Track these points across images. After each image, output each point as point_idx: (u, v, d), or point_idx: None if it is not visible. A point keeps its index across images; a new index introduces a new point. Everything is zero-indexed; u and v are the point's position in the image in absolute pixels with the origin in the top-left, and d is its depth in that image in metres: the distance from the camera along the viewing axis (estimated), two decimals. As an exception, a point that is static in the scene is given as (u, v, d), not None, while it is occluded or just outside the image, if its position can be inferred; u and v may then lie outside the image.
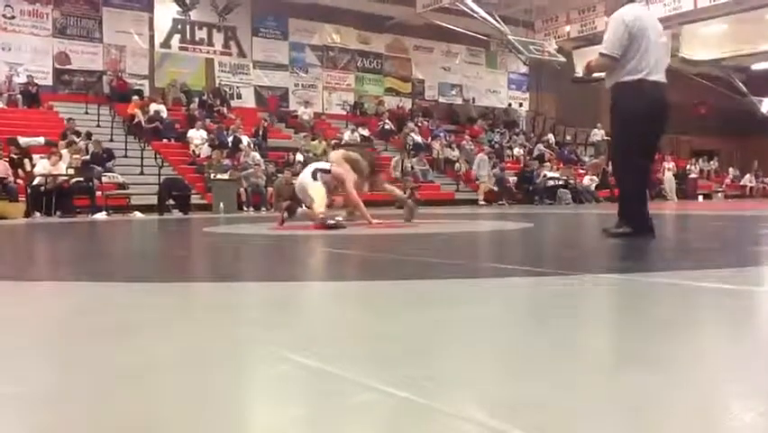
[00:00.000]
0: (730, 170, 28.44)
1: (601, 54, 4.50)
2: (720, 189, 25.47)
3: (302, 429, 1.00)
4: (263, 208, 14.24)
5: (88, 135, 14.96)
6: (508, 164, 20.60)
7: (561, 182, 18.84)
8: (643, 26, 4.41)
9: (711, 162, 27.85)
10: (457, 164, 20.17)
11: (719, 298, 2.17)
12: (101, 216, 11.66)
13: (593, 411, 1.03)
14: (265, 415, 1.09)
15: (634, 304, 2.10)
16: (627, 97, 4.40)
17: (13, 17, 17.81)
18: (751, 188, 26.47)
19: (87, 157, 13.68)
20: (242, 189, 14.44)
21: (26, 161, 13.08)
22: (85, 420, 1.04)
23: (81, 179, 12.37)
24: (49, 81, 18.19)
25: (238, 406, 1.11)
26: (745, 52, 21.13)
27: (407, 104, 24.10)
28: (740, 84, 25.64)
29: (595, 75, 4.74)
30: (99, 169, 13.40)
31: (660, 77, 4.45)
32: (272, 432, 1.01)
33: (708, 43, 21.61)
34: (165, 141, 16.79)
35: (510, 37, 21.67)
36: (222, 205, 13.45)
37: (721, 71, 24.76)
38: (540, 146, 22.56)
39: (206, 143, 16.55)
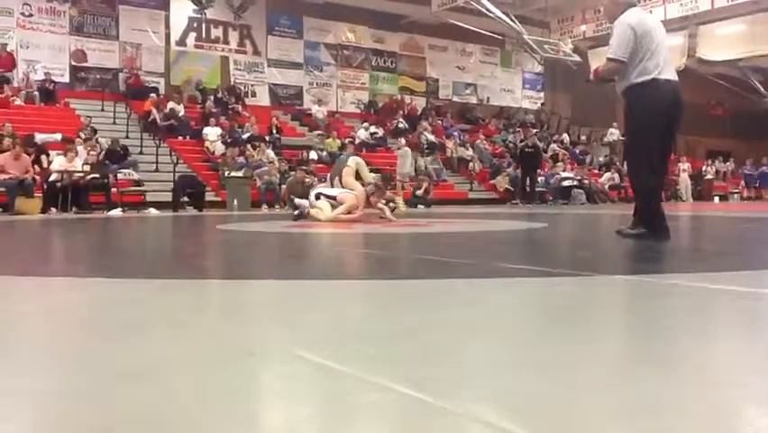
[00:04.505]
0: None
1: (609, 59, 4.49)
2: (736, 191, 25.24)
3: (313, 428, 1.00)
4: (277, 206, 14.28)
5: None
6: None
7: (575, 182, 18.75)
8: (648, 27, 4.42)
9: (727, 164, 27.58)
10: (471, 163, 20.12)
11: (735, 300, 2.16)
12: (116, 212, 11.73)
13: (604, 413, 1.03)
14: (276, 413, 1.10)
15: (648, 305, 2.08)
16: (643, 97, 4.39)
17: (30, 15, 17.95)
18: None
19: (101, 151, 13.76)
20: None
21: (43, 157, 13.18)
22: (99, 416, 1.04)
23: (97, 175, 12.45)
24: (66, 78, 18.32)
25: (249, 403, 1.11)
26: (762, 53, 20.89)
27: (422, 103, 24.06)
28: (758, 85, 25.38)
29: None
30: (114, 166, 13.49)
31: (671, 75, 4.44)
32: (283, 430, 1.01)
33: (725, 44, 21.40)
34: (180, 138, 16.87)
35: (525, 36, 21.58)
36: (235, 202, 13.51)
37: (738, 72, 24.52)
38: (554, 146, 22.45)
39: (219, 141, 16.61)
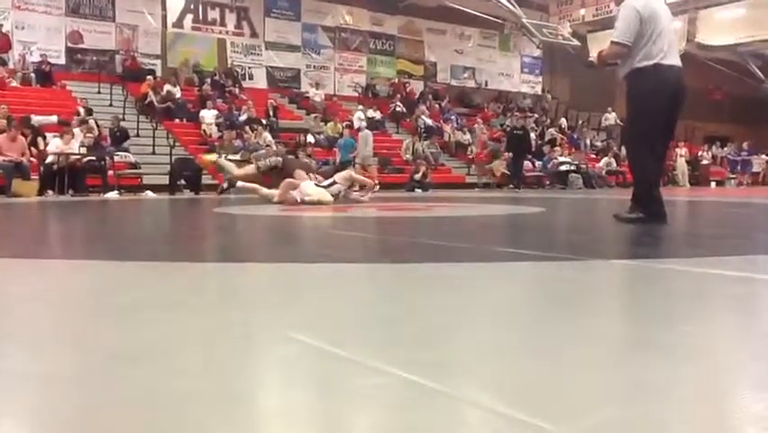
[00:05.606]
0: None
1: (613, 43, 4.46)
2: (733, 176, 25.24)
3: (309, 411, 1.00)
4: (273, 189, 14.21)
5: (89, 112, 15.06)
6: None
7: (572, 167, 18.73)
8: (653, 11, 4.38)
9: (725, 149, 27.54)
10: (470, 148, 20.10)
11: (732, 285, 2.16)
12: (113, 195, 11.71)
13: (600, 398, 1.03)
14: (273, 396, 1.10)
15: (645, 290, 2.09)
16: (645, 82, 4.36)
17: (26, -5, 17.83)
18: (765, 175, 26.07)
19: (96, 133, 13.72)
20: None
21: (39, 139, 13.12)
22: (95, 399, 1.04)
23: (93, 157, 12.42)
24: (62, 60, 18.22)
25: (246, 387, 1.12)
26: (762, 38, 20.86)
27: (419, 86, 23.97)
28: (756, 70, 25.33)
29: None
30: (111, 148, 13.45)
31: (675, 60, 4.41)
32: (280, 414, 1.01)
33: (724, 28, 21.35)
34: (177, 121, 16.82)
35: (524, 20, 21.49)
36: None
37: (738, 57, 24.47)
38: (551, 130, 22.42)
39: (214, 124, 16.56)
